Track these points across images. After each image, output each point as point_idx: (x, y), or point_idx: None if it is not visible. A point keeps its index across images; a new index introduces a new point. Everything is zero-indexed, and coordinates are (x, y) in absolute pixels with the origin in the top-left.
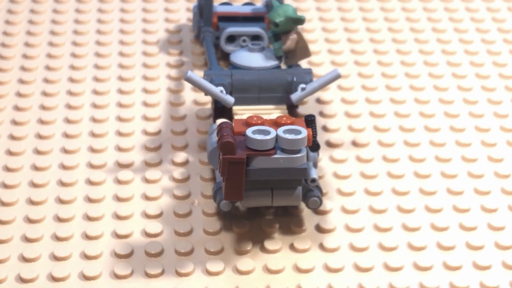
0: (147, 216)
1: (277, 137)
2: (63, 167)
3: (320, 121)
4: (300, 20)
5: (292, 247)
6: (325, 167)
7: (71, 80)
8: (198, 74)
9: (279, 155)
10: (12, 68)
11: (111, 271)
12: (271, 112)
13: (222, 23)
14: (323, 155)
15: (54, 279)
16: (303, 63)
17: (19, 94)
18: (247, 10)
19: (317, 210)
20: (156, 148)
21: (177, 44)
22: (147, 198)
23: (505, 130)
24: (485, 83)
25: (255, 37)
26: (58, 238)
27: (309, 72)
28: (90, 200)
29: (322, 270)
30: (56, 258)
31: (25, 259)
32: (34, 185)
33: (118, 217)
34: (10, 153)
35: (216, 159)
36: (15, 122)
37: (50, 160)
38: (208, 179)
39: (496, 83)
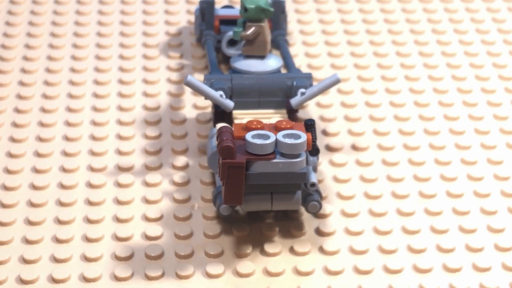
0: (147, 219)
1: (276, 141)
2: (64, 169)
3: (319, 125)
4: (269, 12)
5: (292, 250)
6: (325, 171)
7: (72, 82)
8: (198, 78)
9: (278, 160)
10: (13, 70)
11: (111, 273)
12: (271, 116)
13: (224, 27)
14: (323, 159)
15: (55, 280)
16: (303, 68)
17: (19, 96)
18: None
19: (317, 213)
20: (156, 151)
21: (178, 47)
22: (147, 201)
23: (504, 132)
24: (485, 85)
25: None
26: (58, 240)
27: (309, 76)
28: (90, 202)
29: (322, 273)
30: (56, 260)
31: (25, 261)
32: (34, 187)
33: (118, 220)
34: (10, 155)
35: (216, 163)
36: (15, 124)
37: (50, 163)
38: (208, 183)
39: (495, 85)
